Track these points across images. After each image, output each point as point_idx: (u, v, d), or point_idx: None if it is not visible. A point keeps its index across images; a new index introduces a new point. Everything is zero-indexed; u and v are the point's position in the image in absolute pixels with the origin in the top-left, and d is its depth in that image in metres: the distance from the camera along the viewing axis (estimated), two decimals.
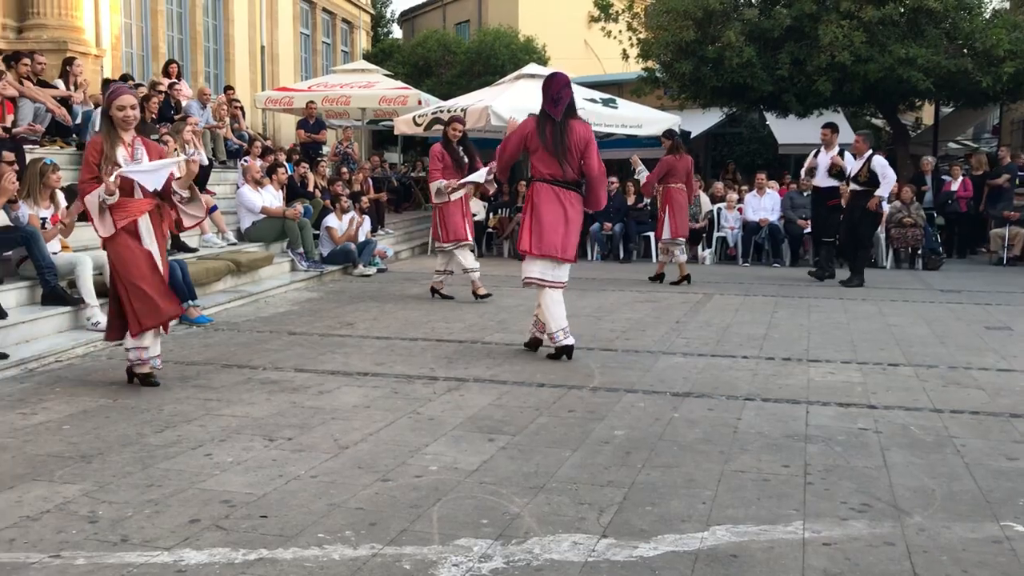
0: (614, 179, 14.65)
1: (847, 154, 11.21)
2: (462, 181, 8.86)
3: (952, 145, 23.48)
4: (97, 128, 10.31)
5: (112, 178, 5.16)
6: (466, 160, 9.19)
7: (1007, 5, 16.72)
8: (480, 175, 8.39)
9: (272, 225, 11.11)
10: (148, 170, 5.32)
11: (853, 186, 10.87)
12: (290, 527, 3.32)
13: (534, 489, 3.75)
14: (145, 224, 5.42)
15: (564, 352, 6.43)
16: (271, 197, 11.43)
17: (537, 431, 4.63)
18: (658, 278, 11.15)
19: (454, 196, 9.02)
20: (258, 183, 11.35)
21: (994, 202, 14.45)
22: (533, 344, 6.74)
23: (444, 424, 4.75)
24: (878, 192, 10.69)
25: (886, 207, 11.86)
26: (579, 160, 6.35)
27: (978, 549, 3.20)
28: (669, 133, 11.35)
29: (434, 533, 3.28)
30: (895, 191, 12.01)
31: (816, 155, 11.41)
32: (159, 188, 5.38)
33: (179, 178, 5.45)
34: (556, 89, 6.35)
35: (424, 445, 4.37)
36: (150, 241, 5.43)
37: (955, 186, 14.75)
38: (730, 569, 3.02)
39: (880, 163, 10.76)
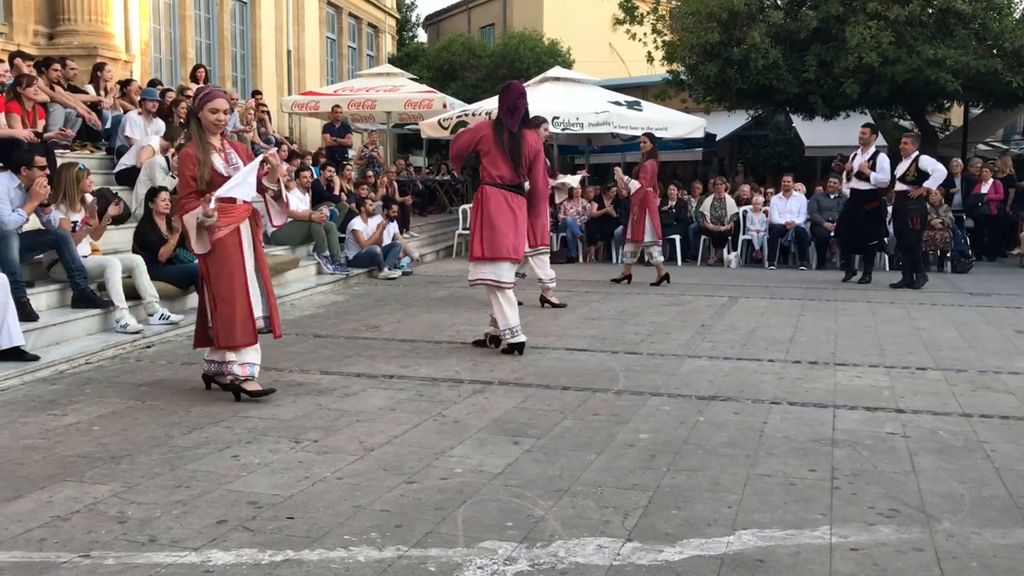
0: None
1: (881, 156, 11.15)
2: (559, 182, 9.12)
3: (981, 147, 23.20)
4: (127, 132, 10.49)
5: (212, 204, 5.03)
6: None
7: None
8: (574, 179, 8.82)
9: (298, 228, 11.17)
10: (239, 183, 5.18)
11: (900, 186, 10.88)
12: (316, 528, 3.34)
13: (559, 492, 3.75)
14: (246, 229, 5.33)
15: (516, 348, 6.68)
16: (297, 200, 11.49)
17: (562, 434, 4.63)
18: (626, 279, 11.15)
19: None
20: (285, 186, 11.41)
21: (1022, 204, 14.28)
22: (493, 340, 6.93)
23: (469, 427, 4.76)
24: (927, 183, 10.76)
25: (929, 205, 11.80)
26: (527, 168, 6.65)
27: (1008, 555, 3.16)
28: (652, 136, 11.15)
29: (459, 535, 3.28)
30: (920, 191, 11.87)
31: (855, 157, 11.33)
32: (255, 194, 5.34)
33: (266, 173, 5.42)
34: (512, 99, 6.64)
35: (449, 448, 4.38)
36: (248, 246, 5.33)
37: (985, 188, 14.59)
38: (756, 574, 3.00)
39: (928, 160, 10.90)
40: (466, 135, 6.85)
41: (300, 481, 3.87)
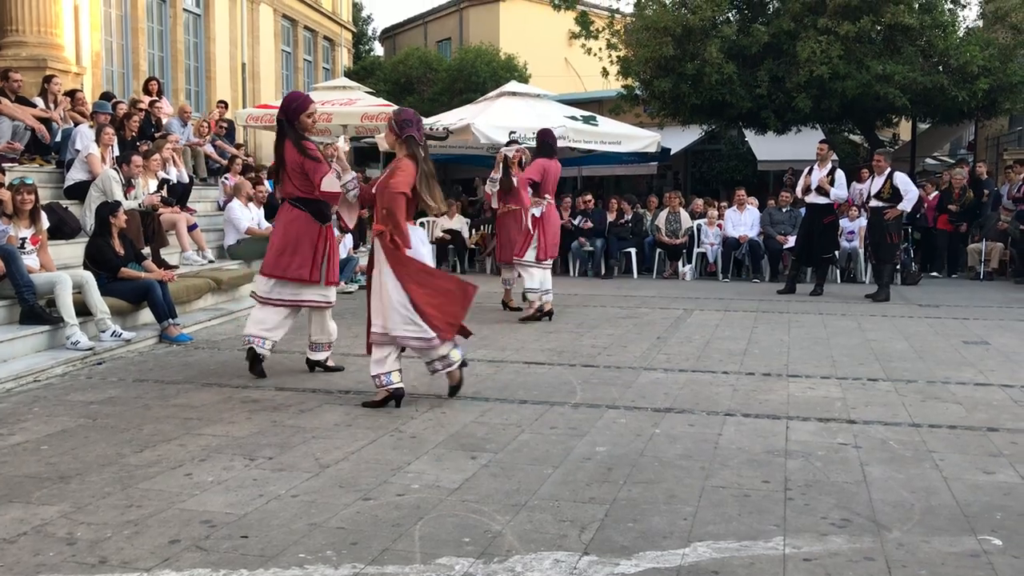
0: (589, 196, 14.88)
1: (838, 172, 11.39)
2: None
3: (929, 161, 23.73)
4: (78, 145, 10.33)
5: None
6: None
7: (980, 23, 16.93)
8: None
9: (254, 244, 11.07)
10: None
11: (876, 203, 11.11)
12: (271, 547, 3.30)
13: (516, 506, 3.75)
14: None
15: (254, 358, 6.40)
16: (252, 216, 11.40)
17: (519, 448, 4.64)
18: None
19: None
20: (250, 199, 11.37)
21: (972, 216, 14.63)
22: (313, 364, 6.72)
23: (426, 442, 4.74)
24: (900, 206, 11.03)
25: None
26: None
27: (956, 563, 3.22)
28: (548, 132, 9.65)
29: (416, 552, 3.27)
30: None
31: (809, 172, 11.53)
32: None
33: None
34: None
35: (406, 463, 4.36)
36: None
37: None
38: None
39: (903, 179, 11.18)
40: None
41: (254, 499, 3.83)
